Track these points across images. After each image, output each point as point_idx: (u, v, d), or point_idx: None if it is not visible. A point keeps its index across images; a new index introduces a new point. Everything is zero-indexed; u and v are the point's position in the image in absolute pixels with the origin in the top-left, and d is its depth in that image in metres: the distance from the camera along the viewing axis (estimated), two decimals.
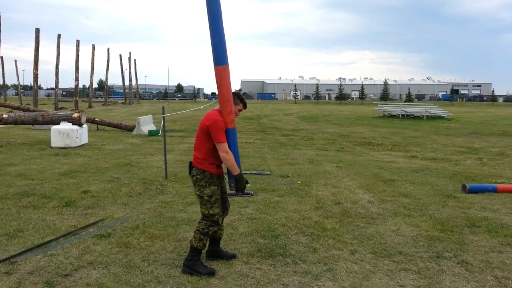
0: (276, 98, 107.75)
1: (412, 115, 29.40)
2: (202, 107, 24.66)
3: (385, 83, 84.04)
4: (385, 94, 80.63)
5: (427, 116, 28.69)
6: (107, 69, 51.74)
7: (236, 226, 4.88)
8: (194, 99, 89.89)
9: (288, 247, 4.23)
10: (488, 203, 6.04)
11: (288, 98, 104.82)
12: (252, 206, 5.70)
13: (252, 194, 6.32)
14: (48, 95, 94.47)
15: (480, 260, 3.98)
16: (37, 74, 30.56)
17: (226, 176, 3.83)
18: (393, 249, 4.23)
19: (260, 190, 6.65)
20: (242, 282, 3.48)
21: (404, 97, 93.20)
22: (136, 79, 63.18)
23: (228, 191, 4.01)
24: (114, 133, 16.32)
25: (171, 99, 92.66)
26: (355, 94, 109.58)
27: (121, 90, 72.40)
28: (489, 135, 17.60)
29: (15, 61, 60.34)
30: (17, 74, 57.34)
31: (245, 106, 3.87)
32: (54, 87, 36.68)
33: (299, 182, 7.35)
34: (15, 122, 13.17)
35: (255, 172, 8.17)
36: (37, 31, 30.37)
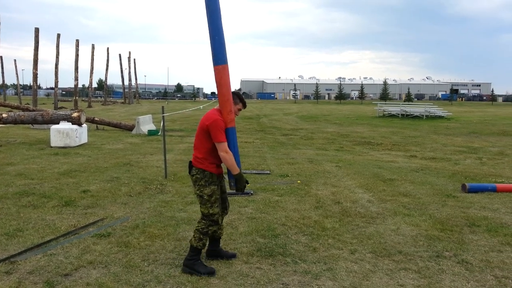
0: (276, 98, 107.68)
1: (412, 114, 29.40)
2: (201, 106, 24.66)
3: (385, 83, 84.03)
4: (385, 94, 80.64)
5: (426, 116, 28.70)
6: (107, 69, 51.72)
7: (236, 225, 4.88)
8: (193, 98, 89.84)
9: (288, 247, 4.23)
10: (487, 203, 6.04)
11: (288, 97, 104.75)
12: (252, 206, 5.70)
13: (251, 194, 6.32)
14: (48, 95, 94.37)
15: (480, 260, 3.98)
16: (37, 73, 30.53)
17: (225, 176, 3.83)
18: (393, 249, 4.24)
19: (260, 190, 6.66)
20: (242, 282, 3.48)
21: (403, 96, 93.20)
22: (136, 78, 63.20)
23: (228, 191, 4.01)
24: (114, 132, 16.31)
25: (170, 99, 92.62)
26: (354, 93, 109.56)
27: (121, 90, 72.33)
28: (488, 135, 17.60)
29: (15, 60, 60.18)
30: (17, 74, 57.39)
31: (244, 106, 3.87)
32: (53, 86, 36.65)
33: (298, 181, 7.35)
34: (15, 121, 13.16)
35: (254, 171, 8.17)
36: (37, 30, 30.34)
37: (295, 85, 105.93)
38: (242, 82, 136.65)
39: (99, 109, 37.20)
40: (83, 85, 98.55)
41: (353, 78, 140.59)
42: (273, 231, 4.68)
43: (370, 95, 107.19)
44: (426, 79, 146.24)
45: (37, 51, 30.21)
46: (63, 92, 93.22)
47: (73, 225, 4.84)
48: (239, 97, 3.81)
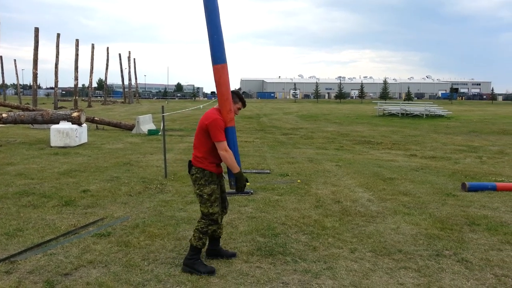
0: (276, 97, 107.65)
1: (412, 113, 29.39)
2: (201, 106, 24.65)
3: (385, 82, 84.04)
4: (385, 93, 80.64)
5: (426, 115, 28.69)
6: (107, 69, 51.71)
7: (236, 225, 4.88)
8: (193, 98, 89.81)
9: (288, 246, 4.24)
10: (487, 201, 6.04)
11: (288, 97, 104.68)
12: (252, 205, 5.70)
13: (252, 193, 6.32)
14: (48, 95, 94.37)
15: (480, 258, 3.99)
16: (37, 73, 30.54)
17: (225, 175, 3.83)
18: (393, 248, 4.24)
19: (260, 189, 6.66)
20: (242, 281, 3.48)
21: (403, 96, 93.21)
22: (136, 78, 63.23)
23: (228, 190, 4.01)
24: (114, 132, 16.31)
25: (170, 98, 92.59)
26: (354, 93, 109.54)
27: (121, 90, 72.32)
28: (488, 134, 17.60)
29: (15, 60, 60.21)
30: (17, 74, 57.45)
31: (244, 105, 3.86)
32: (53, 86, 36.66)
33: (298, 180, 7.35)
34: (15, 121, 13.16)
35: (254, 171, 8.17)
36: (36, 30, 30.33)
37: (295, 84, 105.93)
38: (242, 81, 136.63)
39: (99, 109, 37.20)
40: (83, 85, 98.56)
41: (353, 77, 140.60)
42: (273, 230, 4.68)
43: (370, 94, 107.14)
44: (426, 78, 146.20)
45: (37, 51, 30.22)
46: (63, 92, 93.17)
47: (73, 224, 4.84)
48: (239, 96, 3.80)
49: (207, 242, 3.86)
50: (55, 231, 4.60)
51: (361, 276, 3.59)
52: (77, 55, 38.75)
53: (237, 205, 5.68)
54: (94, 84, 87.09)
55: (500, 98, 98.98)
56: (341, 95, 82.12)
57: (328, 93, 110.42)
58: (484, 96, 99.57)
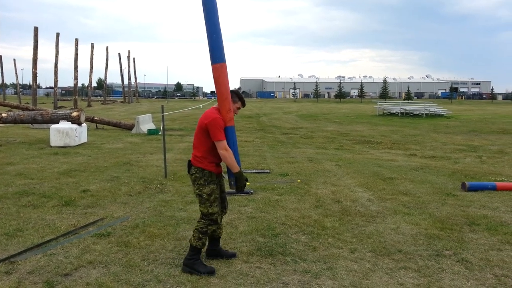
0: (276, 97, 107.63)
1: (412, 113, 29.40)
2: (201, 105, 24.65)
3: (385, 81, 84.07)
4: (385, 92, 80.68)
5: (426, 114, 28.70)
6: (106, 68, 51.67)
7: (236, 225, 4.88)
8: (193, 97, 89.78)
9: (287, 246, 4.23)
10: (487, 201, 6.04)
11: (288, 96, 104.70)
12: (252, 205, 5.70)
13: (251, 193, 6.32)
14: (47, 94, 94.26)
15: (480, 258, 3.99)
16: (36, 73, 30.52)
17: (225, 175, 3.82)
18: (393, 248, 4.24)
19: (260, 189, 6.65)
20: (242, 281, 3.48)
21: (403, 95, 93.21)
22: (135, 77, 63.23)
23: (229, 190, 4.01)
24: (114, 132, 16.30)
25: (170, 98, 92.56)
26: (354, 92, 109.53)
27: (120, 89, 72.28)
28: (488, 133, 17.60)
29: (14, 60, 60.16)
30: (16, 73, 57.51)
31: (243, 104, 3.86)
32: (53, 86, 36.64)
33: (298, 180, 7.35)
34: (14, 121, 13.15)
35: (254, 170, 8.17)
36: (36, 29, 30.31)
37: (294, 83, 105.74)
38: (242, 81, 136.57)
39: (98, 108, 37.19)
40: (83, 84, 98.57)
41: (353, 77, 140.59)
42: (273, 230, 4.68)
43: (370, 93, 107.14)
44: (426, 77, 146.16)
45: (37, 50, 30.20)
46: (63, 92, 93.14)
47: (73, 224, 4.84)
48: (238, 96, 3.80)
49: (207, 242, 3.85)
50: (55, 231, 4.60)
51: (361, 276, 3.59)
52: (76, 54, 38.75)
53: (237, 205, 5.67)
54: (94, 84, 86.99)
55: (499, 97, 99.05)
56: (341, 95, 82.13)
57: (328, 92, 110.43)
58: (484, 96, 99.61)
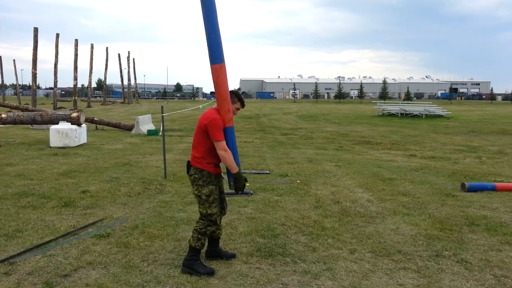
0: (275, 97, 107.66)
1: (411, 113, 29.41)
2: (201, 106, 24.65)
3: (384, 82, 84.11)
4: (384, 93, 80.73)
5: (426, 115, 28.70)
6: (106, 69, 51.66)
7: (236, 225, 4.88)
8: (193, 98, 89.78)
9: (287, 247, 4.23)
10: (487, 202, 6.04)
11: (287, 97, 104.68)
12: (252, 206, 5.70)
13: (251, 194, 6.32)
14: (47, 95, 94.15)
15: (479, 259, 3.99)
16: (36, 73, 30.49)
17: (224, 176, 3.82)
18: (393, 248, 4.24)
19: (260, 190, 6.65)
20: (241, 282, 3.48)
21: (403, 95, 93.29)
22: (135, 78, 63.18)
23: (229, 191, 4.00)
24: (113, 132, 16.30)
25: (170, 99, 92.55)
26: (354, 93, 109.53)
27: (120, 90, 72.28)
28: (488, 134, 17.61)
29: (14, 60, 60.13)
30: (16, 74, 57.45)
31: (243, 105, 3.86)
32: (52, 86, 36.64)
33: (298, 181, 7.35)
34: (14, 122, 13.15)
35: (254, 171, 8.17)
36: (36, 30, 30.29)
37: (294, 84, 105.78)
38: (242, 81, 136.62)
39: (98, 109, 37.18)
40: (82, 85, 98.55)
41: (353, 77, 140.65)
42: (272, 231, 4.68)
43: (370, 94, 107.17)
44: (426, 78, 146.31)
45: (36, 51, 30.18)
46: (62, 92, 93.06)
47: (72, 225, 4.84)
48: (237, 96, 3.80)
49: (206, 243, 3.85)
50: (54, 232, 4.59)
51: (360, 277, 3.59)
52: (76, 55, 38.73)
53: (237, 205, 5.67)
54: (94, 84, 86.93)
55: (499, 98, 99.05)
56: (341, 95, 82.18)
57: (328, 93, 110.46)
58: (483, 96, 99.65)
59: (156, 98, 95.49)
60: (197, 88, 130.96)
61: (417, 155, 11.38)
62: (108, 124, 17.57)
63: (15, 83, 62.32)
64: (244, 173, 5.01)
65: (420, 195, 6.44)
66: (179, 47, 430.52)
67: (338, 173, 8.14)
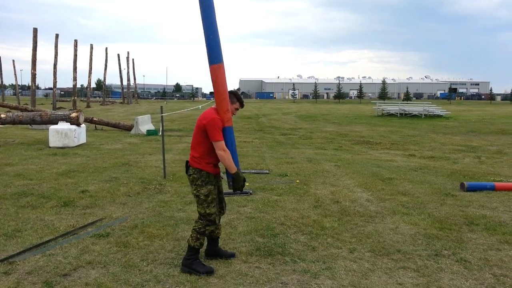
0: (275, 97, 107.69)
1: (411, 113, 29.44)
2: (200, 106, 24.64)
3: (384, 82, 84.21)
4: (384, 93, 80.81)
5: (425, 115, 28.73)
6: (105, 69, 51.60)
7: (235, 225, 4.88)
8: (192, 98, 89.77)
9: (287, 246, 4.24)
10: (486, 201, 6.05)
11: (287, 97, 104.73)
12: (251, 205, 5.70)
13: (251, 193, 6.32)
14: (46, 95, 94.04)
15: (479, 258, 3.99)
16: (35, 74, 30.46)
17: (224, 176, 3.82)
18: (392, 248, 4.24)
19: (259, 189, 6.66)
20: (241, 281, 3.48)
21: (402, 96, 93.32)
22: (134, 78, 63.12)
23: (228, 191, 4.00)
24: (113, 132, 16.30)
25: (169, 99, 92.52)
26: (353, 93, 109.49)
27: (119, 90, 72.27)
28: (487, 134, 17.63)
29: (13, 61, 60.09)
30: (15, 74, 57.31)
31: (242, 105, 3.86)
32: (52, 87, 36.63)
33: (297, 181, 7.36)
34: (13, 122, 13.14)
35: (253, 171, 8.17)
36: (35, 31, 30.27)
37: (293, 84, 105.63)
38: (241, 81, 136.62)
39: (97, 109, 37.17)
40: (82, 85, 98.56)
41: (352, 78, 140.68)
42: (272, 231, 4.68)
43: (369, 94, 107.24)
44: (425, 78, 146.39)
45: (36, 51, 30.15)
46: (62, 92, 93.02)
47: (71, 225, 4.84)
48: (236, 96, 3.80)
49: (206, 243, 3.85)
50: (53, 232, 4.59)
51: (360, 276, 3.59)
52: (75, 55, 38.72)
53: (236, 205, 5.68)
54: (93, 85, 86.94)
55: (498, 98, 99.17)
56: (340, 95, 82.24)
57: (327, 93, 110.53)
58: (483, 96, 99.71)
59: (156, 98, 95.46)
60: (197, 88, 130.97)
61: (417, 155, 11.39)
62: (107, 124, 17.57)
63: (14, 83, 62.29)
64: (243, 172, 5.02)
65: (420, 195, 6.45)
66: (179, 48, 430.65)
67: (338, 173, 8.15)
